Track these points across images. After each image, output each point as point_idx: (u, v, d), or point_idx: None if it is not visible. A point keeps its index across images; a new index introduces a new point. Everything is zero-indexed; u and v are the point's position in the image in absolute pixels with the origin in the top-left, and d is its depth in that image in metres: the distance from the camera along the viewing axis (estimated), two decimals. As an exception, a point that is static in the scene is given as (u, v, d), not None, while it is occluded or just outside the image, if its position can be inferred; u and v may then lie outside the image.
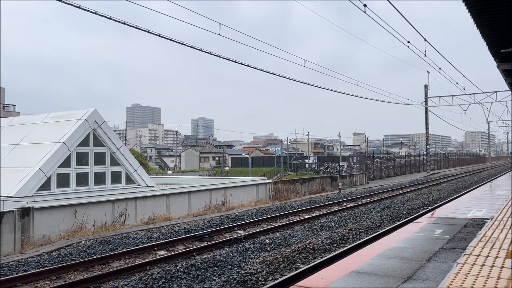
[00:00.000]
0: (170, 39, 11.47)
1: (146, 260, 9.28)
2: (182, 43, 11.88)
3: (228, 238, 11.47)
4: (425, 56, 18.69)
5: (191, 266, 8.42)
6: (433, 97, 41.95)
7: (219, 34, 12.07)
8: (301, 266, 8.40)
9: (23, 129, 20.52)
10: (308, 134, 78.51)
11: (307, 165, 56.15)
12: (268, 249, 10.12)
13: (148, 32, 10.90)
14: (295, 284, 4.71)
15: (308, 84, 19.11)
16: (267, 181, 24.01)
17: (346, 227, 12.87)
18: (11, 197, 15.35)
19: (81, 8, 9.00)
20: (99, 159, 19.06)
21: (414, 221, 9.13)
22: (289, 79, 17.48)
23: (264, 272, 7.90)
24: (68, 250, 10.40)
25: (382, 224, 13.31)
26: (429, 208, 16.34)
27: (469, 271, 4.67)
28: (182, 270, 8.15)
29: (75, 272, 8.62)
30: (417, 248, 6.21)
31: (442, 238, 6.95)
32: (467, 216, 9.33)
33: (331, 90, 21.80)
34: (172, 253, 9.89)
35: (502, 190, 16.02)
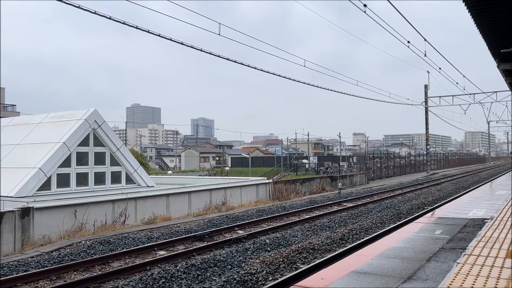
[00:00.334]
0: (170, 39, 11.47)
1: (146, 260, 9.28)
2: (182, 43, 11.89)
3: (228, 238, 11.47)
4: (425, 56, 18.69)
5: (191, 266, 8.42)
6: (433, 97, 41.99)
7: (219, 34, 12.07)
8: (301, 266, 8.40)
9: (23, 129, 20.52)
10: (308, 134, 78.52)
11: (307, 165, 56.15)
12: (268, 249, 10.12)
13: (148, 32, 10.90)
14: (295, 284, 4.71)
15: (308, 84, 19.12)
16: (267, 181, 24.01)
17: (346, 227, 12.86)
18: (11, 197, 15.35)
19: (81, 8, 9.00)
20: (99, 159, 19.06)
21: (414, 221, 9.13)
22: (289, 79, 17.49)
23: (264, 272, 7.90)
24: (68, 250, 10.40)
25: (382, 224, 13.30)
26: (429, 208, 16.34)
27: (469, 271, 4.67)
28: (182, 270, 8.15)
29: (75, 272, 8.62)
30: (417, 248, 6.21)
31: (442, 238, 6.95)
32: (467, 216, 9.33)
33: (331, 90, 21.81)
34: (172, 253, 9.88)
35: (502, 190, 16.02)
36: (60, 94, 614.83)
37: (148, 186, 20.58)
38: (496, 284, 4.21)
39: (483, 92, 36.48)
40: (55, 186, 17.19)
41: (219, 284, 7.22)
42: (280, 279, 7.29)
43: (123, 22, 10.39)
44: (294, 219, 15.10)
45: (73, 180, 17.89)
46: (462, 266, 4.88)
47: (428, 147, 47.61)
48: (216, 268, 8.41)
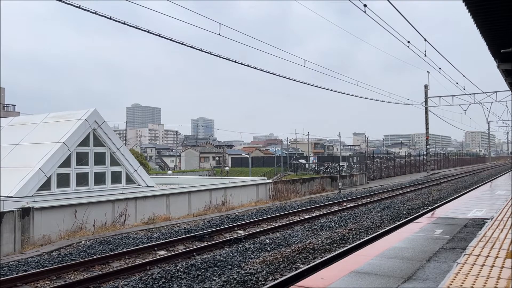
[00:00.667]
0: (170, 39, 11.47)
1: (146, 260, 9.28)
2: (182, 43, 11.88)
3: (228, 238, 11.47)
4: (425, 56, 18.68)
5: (191, 266, 8.42)
6: (433, 97, 41.97)
7: (219, 34, 12.07)
8: (301, 266, 8.39)
9: (23, 129, 20.52)
10: (308, 134, 78.53)
11: (307, 165, 56.12)
12: (268, 249, 10.12)
13: (148, 32, 10.90)
14: (295, 284, 4.71)
15: (308, 84, 19.12)
16: (267, 181, 24.01)
17: (346, 227, 12.86)
18: (11, 197, 15.34)
19: (81, 8, 9.00)
20: (99, 159, 19.05)
21: (414, 221, 9.13)
22: (289, 79, 17.48)
23: (264, 272, 7.90)
24: (68, 250, 10.40)
25: (382, 224, 13.30)
26: (429, 208, 16.34)
27: (469, 271, 4.67)
28: (182, 270, 8.15)
29: (75, 272, 8.62)
30: (417, 248, 6.21)
31: (442, 238, 6.94)
32: (467, 216, 9.33)
33: (331, 90, 21.81)
34: (172, 253, 9.88)
35: (502, 190, 16.02)
36: (60, 94, 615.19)
37: (148, 186, 20.58)
38: (496, 284, 4.21)
39: (483, 92, 36.48)
40: (55, 186, 17.18)
41: (219, 284, 7.22)
42: (280, 279, 7.29)
43: (123, 22, 10.39)
44: (294, 219, 15.09)
45: (73, 180, 17.88)
46: (462, 266, 4.88)
47: (428, 147, 47.60)
48: (216, 268, 8.41)
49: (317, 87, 20.75)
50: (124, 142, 48.14)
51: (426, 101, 43.41)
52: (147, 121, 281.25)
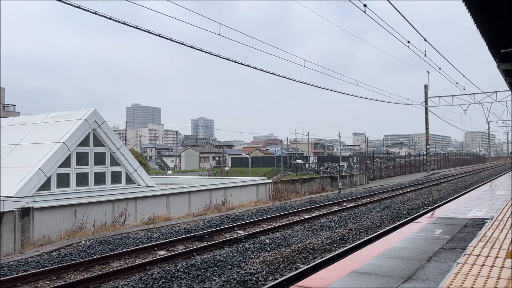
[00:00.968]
0: (170, 39, 11.47)
1: (146, 260, 9.28)
2: (182, 43, 11.88)
3: (228, 238, 11.47)
4: (425, 56, 18.68)
5: (191, 266, 8.42)
6: (433, 97, 41.97)
7: (219, 34, 12.07)
8: (301, 266, 8.40)
9: (23, 129, 20.51)
10: (308, 134, 78.54)
11: (307, 165, 56.09)
12: (268, 249, 10.12)
13: (148, 32, 10.90)
14: (295, 284, 4.71)
15: (308, 84, 19.12)
16: (267, 181, 24.01)
17: (346, 227, 12.86)
18: (11, 197, 15.34)
19: (81, 8, 9.00)
20: (99, 159, 19.05)
21: (414, 221, 9.13)
22: (289, 79, 17.49)
23: (264, 272, 7.90)
24: (68, 250, 10.40)
25: (382, 224, 13.30)
26: (429, 208, 16.34)
27: (469, 271, 4.67)
28: (182, 270, 8.15)
29: (75, 272, 8.62)
30: (417, 248, 6.21)
31: (442, 238, 6.94)
32: (467, 216, 9.33)
33: (331, 90, 21.81)
34: (172, 253, 9.88)
35: (502, 190, 16.02)
36: (59, 94, 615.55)
37: (148, 186, 20.58)
38: (496, 284, 4.21)
39: (483, 92, 36.48)
40: (55, 186, 17.18)
41: (219, 284, 7.22)
42: (280, 279, 7.29)
43: (123, 22, 10.39)
44: (294, 219, 15.09)
45: (73, 180, 17.88)
46: (462, 266, 4.88)
47: (428, 147, 47.60)
48: (216, 268, 8.41)
49: (317, 87, 20.76)
50: (124, 142, 48.15)
51: (426, 101, 43.41)
52: (147, 121, 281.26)
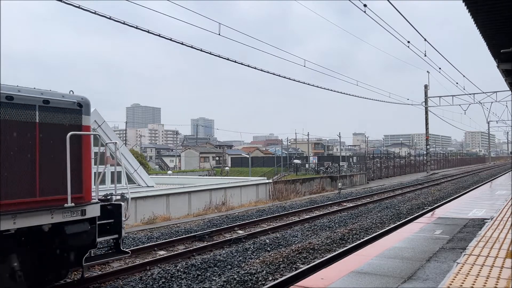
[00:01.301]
0: (170, 39, 11.48)
1: (146, 260, 9.27)
2: (182, 43, 11.89)
3: (228, 238, 11.47)
4: (425, 56, 18.70)
5: (191, 266, 8.42)
6: (433, 97, 42.00)
7: (219, 34, 12.08)
8: (301, 266, 8.40)
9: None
10: (308, 134, 78.54)
11: (307, 165, 56.08)
12: (268, 249, 10.12)
13: (148, 32, 10.90)
14: (295, 284, 4.72)
15: (308, 84, 19.14)
16: (267, 181, 24.02)
17: (346, 227, 12.87)
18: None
19: (81, 8, 9.00)
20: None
21: (414, 221, 9.14)
22: (289, 79, 17.51)
23: (264, 272, 7.90)
24: (68, 250, 10.38)
25: (382, 224, 13.30)
26: (429, 208, 16.34)
27: (469, 271, 4.67)
28: (182, 270, 8.15)
29: (75, 272, 8.61)
30: (417, 248, 6.21)
31: (442, 238, 6.95)
32: (467, 216, 9.33)
33: (331, 90, 21.83)
34: (172, 253, 9.88)
35: (502, 190, 16.02)
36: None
37: (148, 186, 20.58)
38: (496, 284, 4.21)
39: (483, 92, 36.51)
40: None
41: (219, 284, 7.22)
42: (280, 279, 7.29)
43: (123, 22, 10.39)
44: (294, 219, 15.09)
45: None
46: (462, 266, 4.88)
47: (428, 147, 47.61)
48: (216, 268, 8.41)
49: (317, 87, 20.78)
50: (124, 142, 48.17)
51: (426, 101, 43.42)
52: (147, 121, 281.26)
